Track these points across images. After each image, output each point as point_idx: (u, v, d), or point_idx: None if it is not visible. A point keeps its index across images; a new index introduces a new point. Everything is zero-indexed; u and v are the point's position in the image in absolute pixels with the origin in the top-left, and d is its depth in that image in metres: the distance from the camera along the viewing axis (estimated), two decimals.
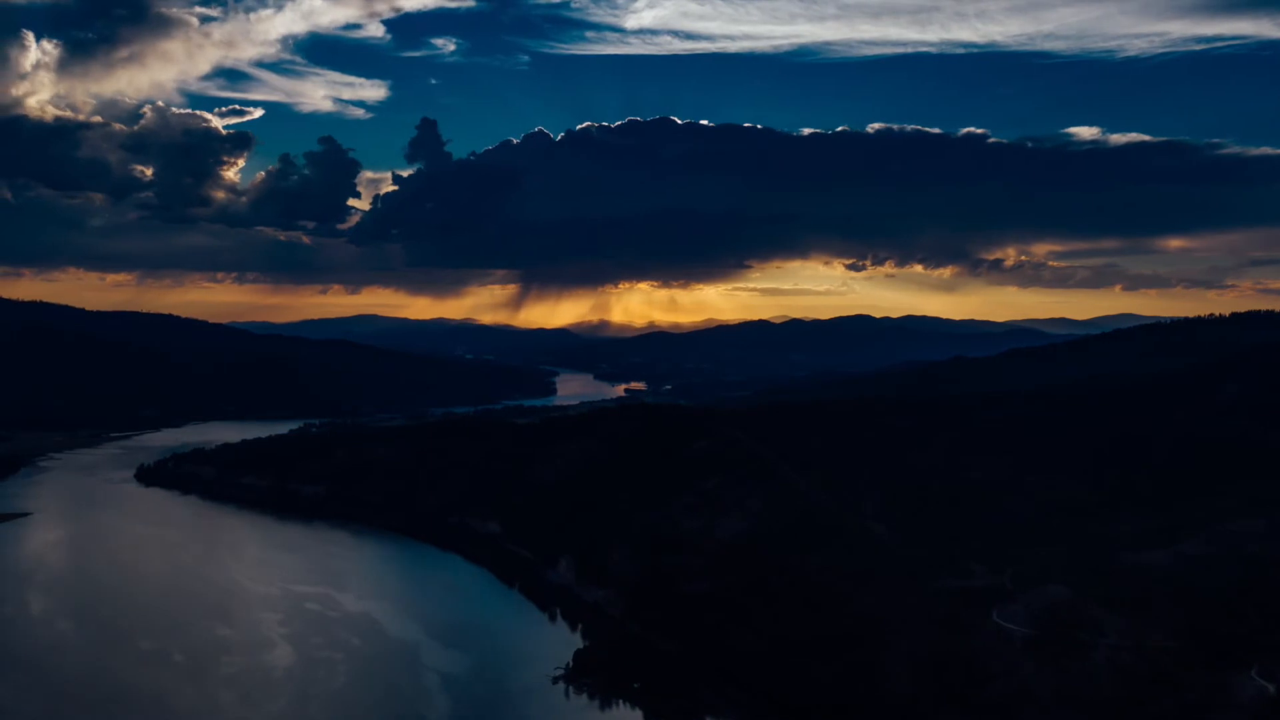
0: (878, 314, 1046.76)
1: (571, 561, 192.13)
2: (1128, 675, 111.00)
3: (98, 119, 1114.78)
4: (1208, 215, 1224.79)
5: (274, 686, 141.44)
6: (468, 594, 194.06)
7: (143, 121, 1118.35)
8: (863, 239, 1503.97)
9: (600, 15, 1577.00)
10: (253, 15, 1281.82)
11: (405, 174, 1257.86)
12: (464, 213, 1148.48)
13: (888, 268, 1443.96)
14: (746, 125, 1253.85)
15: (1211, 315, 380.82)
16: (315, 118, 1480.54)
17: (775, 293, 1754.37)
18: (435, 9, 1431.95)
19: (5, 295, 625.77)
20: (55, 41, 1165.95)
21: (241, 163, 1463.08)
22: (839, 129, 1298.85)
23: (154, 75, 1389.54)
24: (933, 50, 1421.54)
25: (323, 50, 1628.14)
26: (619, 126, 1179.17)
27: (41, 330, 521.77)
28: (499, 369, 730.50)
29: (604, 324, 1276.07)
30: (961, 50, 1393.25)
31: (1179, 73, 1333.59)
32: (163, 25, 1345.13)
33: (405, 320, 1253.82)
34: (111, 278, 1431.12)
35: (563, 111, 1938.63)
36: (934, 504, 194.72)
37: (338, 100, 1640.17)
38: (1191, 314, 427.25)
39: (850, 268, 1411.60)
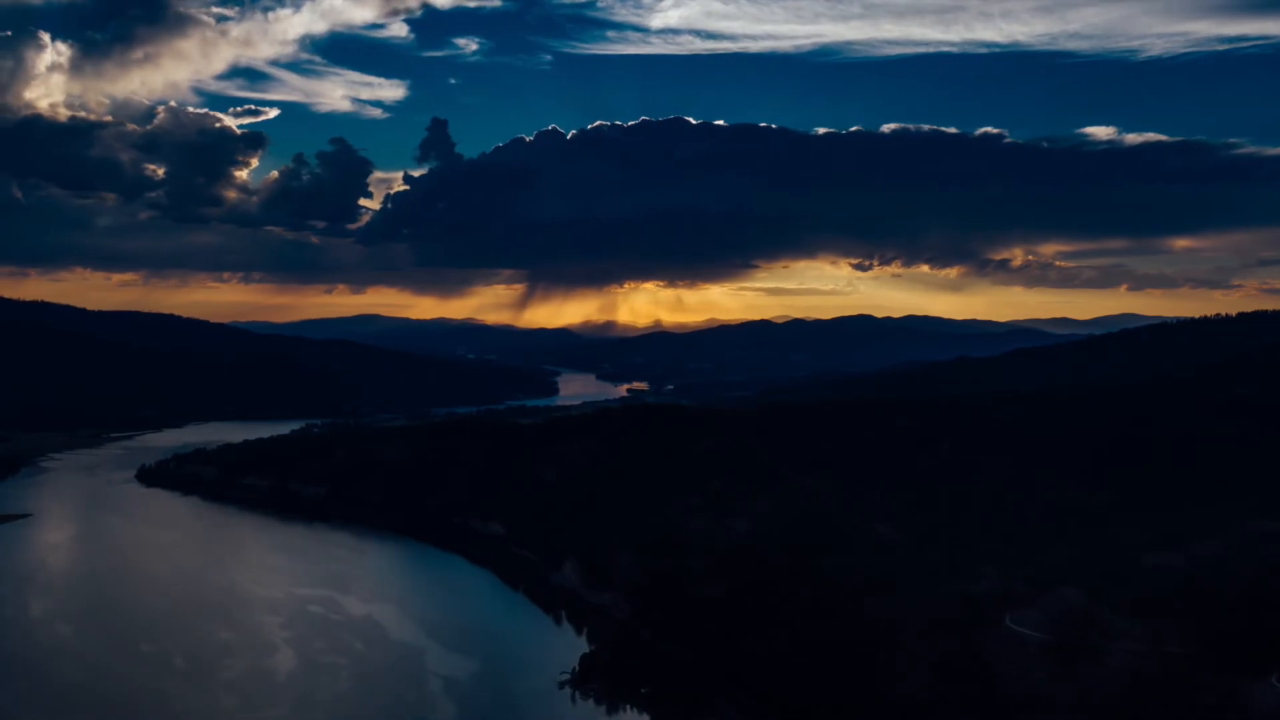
0: (880, 314, 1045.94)
1: (576, 563, 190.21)
2: (1144, 681, 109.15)
3: (111, 119, 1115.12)
4: (1216, 215, 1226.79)
5: (276, 691, 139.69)
6: (471, 596, 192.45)
7: (156, 121, 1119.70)
8: (870, 239, 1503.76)
9: (625, 15, 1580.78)
10: (270, 15, 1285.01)
11: (417, 174, 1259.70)
12: (473, 212, 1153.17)
13: (894, 267, 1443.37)
14: (762, 125, 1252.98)
15: (1218, 315, 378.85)
16: (332, 118, 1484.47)
17: (780, 292, 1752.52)
18: (461, 8, 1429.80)
19: (9, 295, 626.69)
20: (70, 42, 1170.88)
21: (255, 163, 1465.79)
22: (852, 129, 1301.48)
23: (168, 75, 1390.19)
24: (954, 50, 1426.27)
25: (343, 50, 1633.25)
26: (631, 126, 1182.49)
27: (42, 330, 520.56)
28: (501, 369, 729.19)
29: (610, 324, 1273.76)
30: (984, 50, 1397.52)
31: (1200, 72, 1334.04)
32: (179, 24, 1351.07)
33: (407, 320, 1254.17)
34: (117, 277, 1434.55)
35: (582, 111, 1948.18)
36: (942, 506, 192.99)
37: (356, 100, 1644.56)
38: (1196, 314, 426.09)
39: (856, 267, 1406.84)
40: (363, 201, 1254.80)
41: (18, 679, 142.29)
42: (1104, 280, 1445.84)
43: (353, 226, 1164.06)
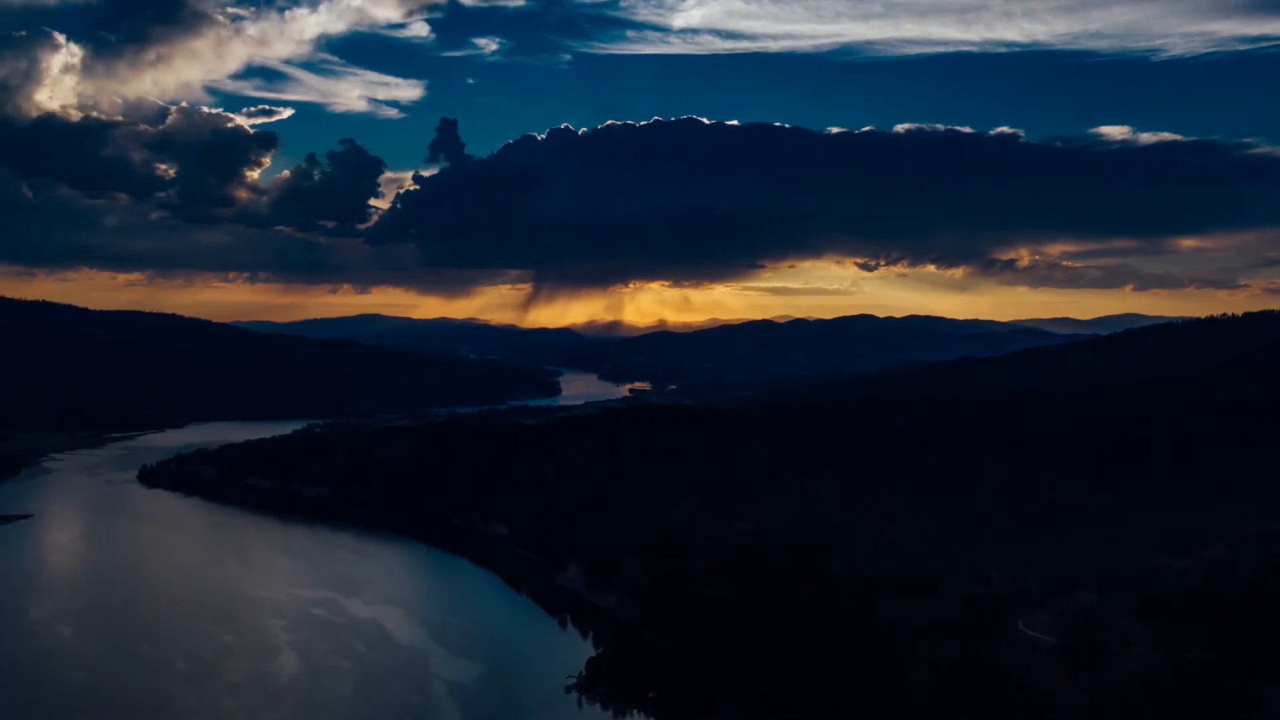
0: (883, 314, 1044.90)
1: (581, 565, 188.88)
2: (1159, 686, 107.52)
3: (123, 119, 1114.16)
4: (1224, 215, 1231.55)
5: (278, 695, 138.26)
6: (475, 598, 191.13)
7: (168, 121, 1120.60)
8: (877, 239, 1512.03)
9: (647, 14, 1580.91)
10: (287, 14, 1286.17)
11: (427, 174, 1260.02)
12: (481, 212, 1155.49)
13: (900, 267, 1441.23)
14: (777, 125, 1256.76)
15: (1224, 315, 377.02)
16: (348, 118, 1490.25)
17: (784, 292, 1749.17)
18: (485, 6, 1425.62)
19: (15, 295, 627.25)
20: (84, 43, 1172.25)
21: (267, 162, 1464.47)
22: (864, 129, 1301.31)
23: (181, 75, 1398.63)
24: (974, 50, 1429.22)
25: (361, 50, 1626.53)
26: (644, 126, 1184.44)
27: (43, 330, 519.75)
28: (503, 369, 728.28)
29: (616, 324, 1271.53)
30: (1004, 50, 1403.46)
31: (1220, 72, 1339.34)
32: (193, 24, 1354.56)
33: (409, 320, 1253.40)
34: (123, 277, 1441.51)
35: (599, 111, 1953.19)
36: (947, 507, 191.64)
37: (372, 100, 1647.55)
38: (1200, 314, 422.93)
39: (862, 267, 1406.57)
40: (373, 202, 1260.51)
41: (17, 682, 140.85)
42: (1109, 280, 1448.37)
43: (362, 227, 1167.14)
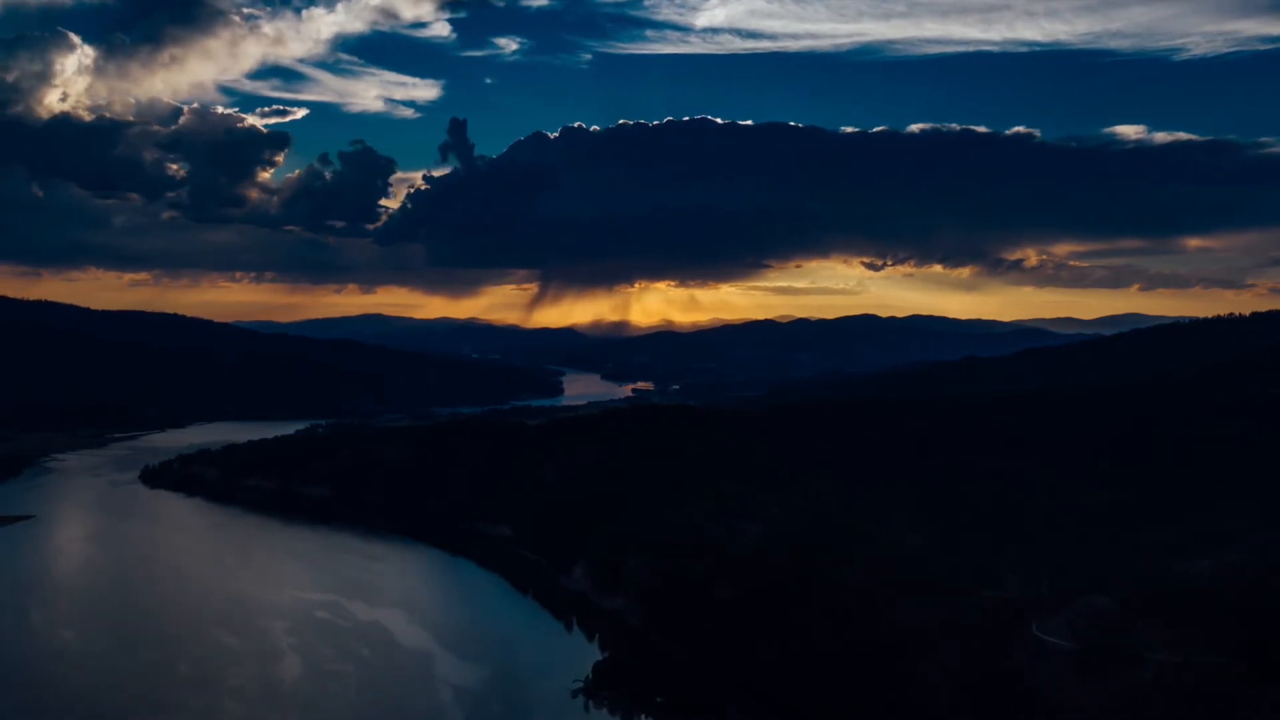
0: (888, 313, 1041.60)
1: (587, 567, 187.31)
2: (1178, 693, 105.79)
3: (136, 119, 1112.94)
4: (1233, 215, 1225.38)
5: (282, 699, 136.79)
6: (480, 601, 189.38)
7: (181, 121, 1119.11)
8: (885, 238, 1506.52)
9: (669, 14, 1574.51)
10: (304, 13, 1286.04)
11: (438, 174, 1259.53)
12: (490, 212, 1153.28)
13: (907, 267, 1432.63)
14: (790, 125, 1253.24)
15: (1231, 315, 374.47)
16: (363, 118, 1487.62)
17: (789, 291, 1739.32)
18: (507, 5, 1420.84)
19: (22, 295, 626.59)
20: (98, 43, 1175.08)
21: (280, 161, 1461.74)
22: (877, 129, 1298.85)
23: (195, 75, 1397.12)
24: (995, 49, 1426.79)
25: (380, 49, 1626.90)
26: (656, 126, 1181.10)
27: (45, 330, 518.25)
28: (505, 369, 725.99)
29: (623, 324, 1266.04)
30: (1024, 49, 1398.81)
31: (1240, 71, 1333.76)
32: (208, 23, 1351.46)
33: (411, 320, 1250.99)
34: (129, 277, 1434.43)
35: (616, 111, 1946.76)
36: (958, 509, 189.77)
37: (388, 100, 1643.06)
38: (1207, 314, 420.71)
39: (868, 266, 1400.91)
40: (384, 202, 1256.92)
41: (18, 686, 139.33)
42: (1116, 280, 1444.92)
43: (371, 227, 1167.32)
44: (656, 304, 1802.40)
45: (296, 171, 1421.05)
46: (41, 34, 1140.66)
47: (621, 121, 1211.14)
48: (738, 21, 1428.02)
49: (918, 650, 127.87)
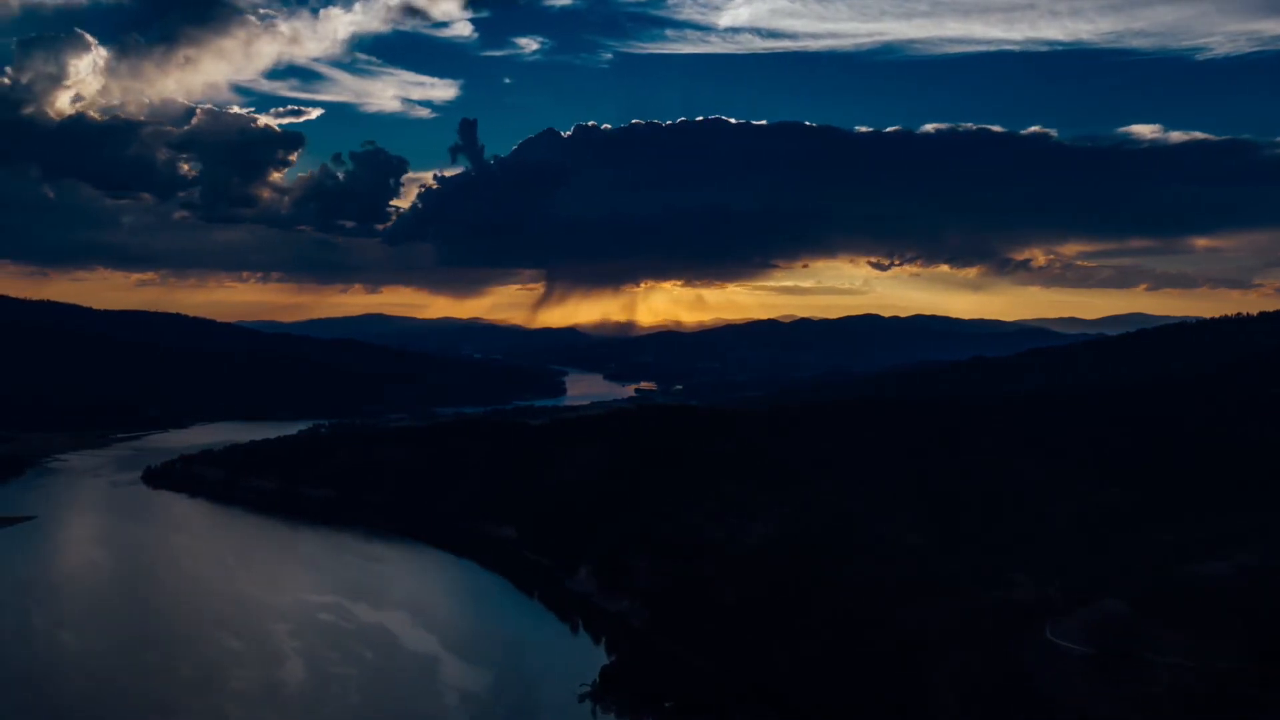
0: (890, 313, 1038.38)
1: (592, 569, 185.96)
2: (1194, 698, 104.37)
3: (149, 119, 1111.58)
4: (1242, 214, 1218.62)
5: (285, 702, 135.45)
6: (485, 603, 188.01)
7: (194, 121, 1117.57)
8: (892, 238, 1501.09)
9: (692, 14, 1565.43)
10: (321, 13, 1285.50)
11: (449, 173, 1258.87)
12: (499, 211, 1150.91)
13: (914, 267, 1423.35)
14: (805, 124, 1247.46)
15: (1238, 315, 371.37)
16: (379, 118, 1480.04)
17: (795, 291, 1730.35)
18: (530, 5, 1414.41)
19: (28, 295, 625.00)
20: (112, 44, 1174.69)
21: (294, 160, 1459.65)
22: (890, 129, 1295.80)
23: (208, 76, 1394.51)
24: (1016, 49, 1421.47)
25: (399, 49, 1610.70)
26: (669, 125, 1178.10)
27: (48, 330, 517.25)
28: (508, 369, 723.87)
29: (630, 324, 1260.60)
30: (1045, 48, 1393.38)
31: (1261, 71, 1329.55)
32: (223, 22, 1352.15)
33: (413, 320, 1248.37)
34: (136, 277, 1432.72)
35: (634, 111, 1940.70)
36: (967, 510, 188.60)
37: (405, 100, 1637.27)
38: (1213, 314, 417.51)
39: (875, 266, 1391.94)
40: (394, 202, 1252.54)
41: (18, 689, 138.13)
42: (1122, 280, 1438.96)
43: (381, 227, 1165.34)
44: (663, 304, 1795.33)
45: (309, 171, 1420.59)
46: (56, 35, 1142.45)
47: (635, 121, 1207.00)
48: (760, 21, 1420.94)
49: (927, 653, 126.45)
